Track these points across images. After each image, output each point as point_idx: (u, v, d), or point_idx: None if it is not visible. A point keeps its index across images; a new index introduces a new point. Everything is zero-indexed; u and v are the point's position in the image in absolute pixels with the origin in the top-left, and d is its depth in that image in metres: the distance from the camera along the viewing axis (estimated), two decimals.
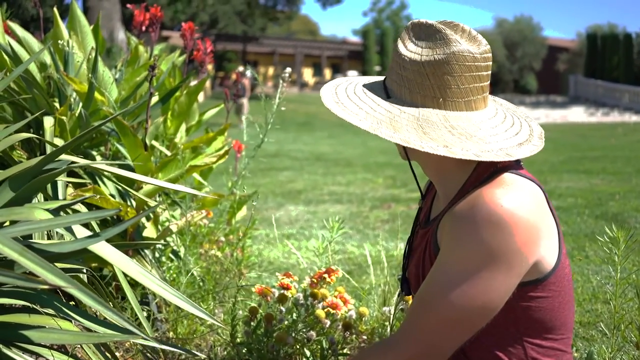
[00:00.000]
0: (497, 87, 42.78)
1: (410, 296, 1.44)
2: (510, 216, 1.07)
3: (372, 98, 1.21)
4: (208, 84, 27.81)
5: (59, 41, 2.35)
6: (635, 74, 32.18)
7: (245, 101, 15.97)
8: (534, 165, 8.88)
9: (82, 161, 1.43)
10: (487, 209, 1.08)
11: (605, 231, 1.71)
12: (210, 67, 3.08)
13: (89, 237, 1.21)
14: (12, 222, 1.26)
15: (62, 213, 1.53)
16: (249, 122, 2.80)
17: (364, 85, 1.27)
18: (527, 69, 45.09)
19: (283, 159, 10.53)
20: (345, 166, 9.50)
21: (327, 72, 42.61)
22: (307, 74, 42.82)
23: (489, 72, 1.19)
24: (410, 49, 1.19)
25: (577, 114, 27.10)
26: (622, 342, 1.82)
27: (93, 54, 2.36)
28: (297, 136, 15.84)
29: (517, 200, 1.09)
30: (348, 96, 1.23)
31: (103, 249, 1.25)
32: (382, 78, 1.31)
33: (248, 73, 18.27)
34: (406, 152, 1.28)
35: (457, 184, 1.22)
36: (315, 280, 1.96)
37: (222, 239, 2.86)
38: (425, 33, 1.18)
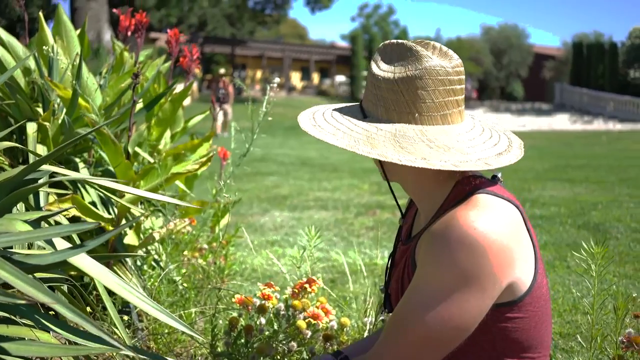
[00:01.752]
0: (484, 93, 43.02)
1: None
2: (483, 239, 1.07)
3: (349, 119, 1.23)
4: (195, 86, 27.75)
5: (44, 47, 2.33)
6: (620, 82, 32.50)
7: (228, 107, 15.83)
8: (518, 173, 8.94)
9: (63, 171, 1.43)
10: (461, 231, 1.09)
11: (587, 241, 1.73)
12: (197, 69, 3.07)
13: (69, 249, 1.20)
14: None
15: (42, 223, 1.53)
16: (235, 129, 2.80)
17: (341, 109, 1.30)
18: (513, 76, 45.38)
19: (269, 163, 10.53)
20: (332, 172, 9.51)
21: (315, 76, 42.64)
22: (295, 78, 42.80)
23: (463, 86, 1.21)
24: (383, 68, 1.20)
25: (562, 122, 27.35)
26: (601, 354, 1.83)
27: (78, 60, 2.35)
28: (284, 141, 15.83)
29: (491, 223, 1.10)
30: (325, 119, 1.25)
31: (82, 261, 1.25)
32: (356, 103, 1.33)
33: (222, 70, 18.17)
34: (385, 173, 1.29)
35: (436, 202, 1.23)
36: (296, 291, 1.97)
37: (205, 246, 2.85)
38: (397, 52, 1.20)
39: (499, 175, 1.27)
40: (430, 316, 1.10)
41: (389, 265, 1.43)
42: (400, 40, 1.22)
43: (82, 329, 1.30)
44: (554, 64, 42.66)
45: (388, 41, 1.24)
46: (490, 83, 44.35)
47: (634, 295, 1.81)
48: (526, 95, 44.75)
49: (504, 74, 44.87)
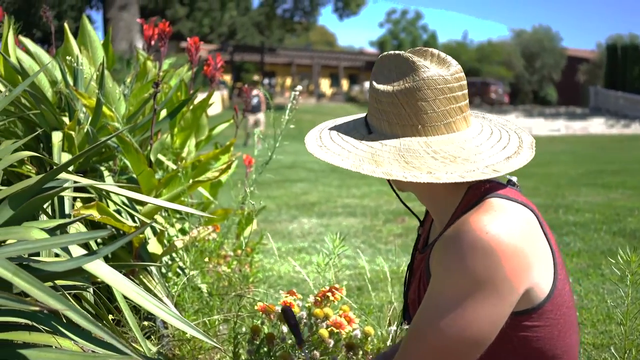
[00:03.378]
0: (516, 98, 42.48)
1: None
2: (496, 243, 1.04)
3: (354, 136, 1.22)
4: (226, 94, 28.00)
5: (67, 57, 2.37)
6: None
7: (261, 116, 15.84)
8: (552, 179, 8.79)
9: (82, 180, 1.44)
10: (473, 235, 1.06)
11: (623, 248, 1.67)
12: (228, 78, 3.09)
13: (84, 255, 1.20)
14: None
15: (61, 231, 1.54)
16: (259, 137, 2.79)
17: (347, 125, 1.30)
18: (546, 80, 44.71)
19: (298, 170, 10.53)
20: (361, 178, 9.46)
21: (345, 83, 42.66)
22: (325, 85, 42.90)
23: (465, 92, 1.19)
24: (381, 82, 1.20)
25: (597, 126, 26.84)
26: None
27: (101, 69, 2.37)
28: None
29: (504, 226, 1.07)
30: (331, 138, 1.25)
31: (99, 268, 1.24)
32: (364, 115, 1.32)
33: (256, 77, 18.07)
34: (391, 184, 1.29)
35: (449, 209, 1.21)
36: (319, 299, 1.95)
37: (231, 253, 2.85)
38: (395, 64, 1.19)
39: (515, 179, 1.25)
40: (445, 324, 1.07)
41: (407, 275, 1.41)
42: (396, 52, 1.21)
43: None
44: (588, 67, 41.93)
45: (385, 53, 1.23)
46: (522, 87, 43.76)
47: None
48: (560, 99, 44.09)
49: (536, 78, 44.24)
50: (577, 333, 1.23)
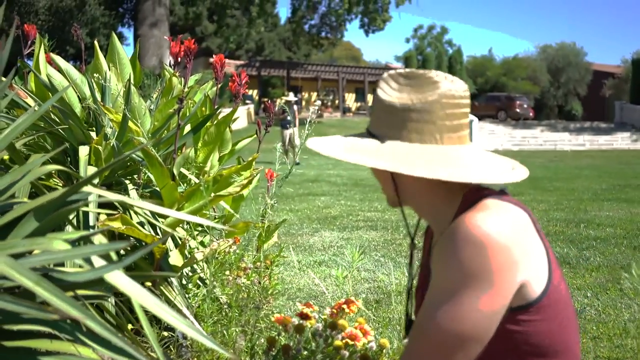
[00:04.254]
0: (541, 112, 42.02)
1: None
2: (486, 237, 1.09)
3: (361, 140, 1.29)
4: (252, 109, 28.21)
5: (95, 74, 2.45)
6: None
7: (293, 131, 15.62)
8: (575, 193, 8.69)
9: (105, 193, 1.49)
10: (465, 230, 1.11)
11: None
12: (254, 92, 3.15)
13: (104, 266, 1.25)
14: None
15: (84, 242, 1.59)
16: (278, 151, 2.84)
17: (353, 135, 1.36)
18: (571, 95, 44.19)
19: (322, 184, 10.58)
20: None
21: (370, 97, 42.68)
22: (350, 99, 42.99)
23: (467, 110, 1.26)
24: (388, 94, 1.26)
25: (622, 141, 26.48)
26: None
27: (128, 86, 2.45)
28: (338, 161, 15.87)
29: (495, 222, 1.12)
30: (336, 141, 1.31)
31: (118, 279, 1.29)
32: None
33: (292, 96, 17.71)
34: (398, 197, 1.33)
35: (447, 218, 1.26)
36: (335, 311, 1.98)
37: (251, 265, 2.89)
38: (408, 79, 1.26)
39: (506, 189, 1.31)
40: (441, 317, 1.11)
41: (410, 293, 1.46)
42: (408, 69, 1.28)
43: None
44: (614, 82, 41.36)
45: (394, 70, 1.30)
46: (547, 102, 43.31)
47: None
48: (585, 113, 43.49)
49: (561, 93, 43.76)
50: (577, 334, 1.25)
